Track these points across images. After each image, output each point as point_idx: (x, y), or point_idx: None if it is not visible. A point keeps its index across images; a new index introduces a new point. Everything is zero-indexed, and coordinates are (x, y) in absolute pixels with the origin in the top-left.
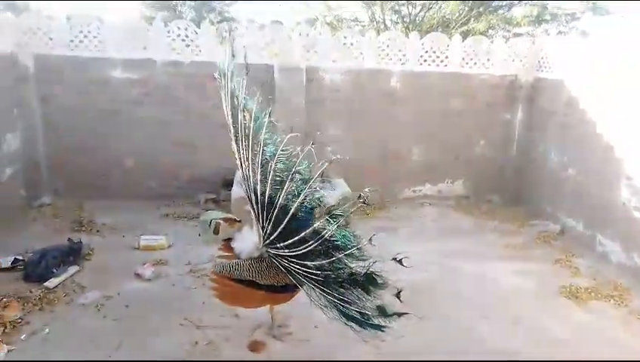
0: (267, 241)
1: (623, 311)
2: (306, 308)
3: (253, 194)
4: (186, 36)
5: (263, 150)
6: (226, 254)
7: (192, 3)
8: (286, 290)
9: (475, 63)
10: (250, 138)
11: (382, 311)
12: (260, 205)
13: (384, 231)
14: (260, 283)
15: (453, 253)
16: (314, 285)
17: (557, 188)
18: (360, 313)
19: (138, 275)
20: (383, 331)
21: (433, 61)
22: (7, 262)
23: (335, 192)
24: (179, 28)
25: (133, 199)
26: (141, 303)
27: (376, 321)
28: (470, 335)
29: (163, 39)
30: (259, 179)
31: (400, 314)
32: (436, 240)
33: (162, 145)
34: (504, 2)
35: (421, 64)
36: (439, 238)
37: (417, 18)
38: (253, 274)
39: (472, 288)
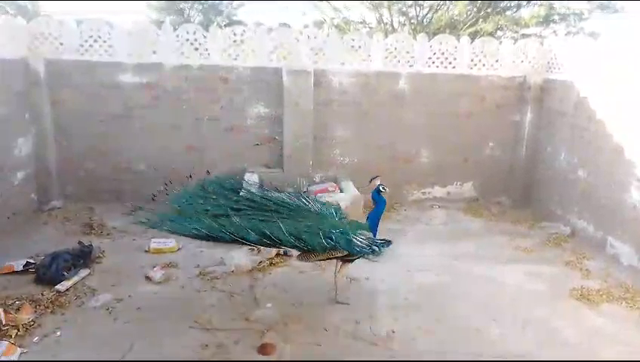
0: None
1: (635, 314)
2: (316, 311)
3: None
4: (195, 40)
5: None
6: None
7: (200, 6)
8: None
9: (484, 65)
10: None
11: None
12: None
13: (394, 234)
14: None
15: (463, 256)
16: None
17: (567, 190)
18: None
19: (148, 278)
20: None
21: (441, 63)
22: (19, 265)
23: (344, 195)
24: (187, 32)
25: (144, 202)
26: (152, 306)
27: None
28: (481, 337)
29: (172, 43)
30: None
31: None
32: (446, 242)
33: (172, 149)
34: (512, 3)
35: (429, 66)
36: (449, 240)
37: (425, 20)
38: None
39: (483, 290)
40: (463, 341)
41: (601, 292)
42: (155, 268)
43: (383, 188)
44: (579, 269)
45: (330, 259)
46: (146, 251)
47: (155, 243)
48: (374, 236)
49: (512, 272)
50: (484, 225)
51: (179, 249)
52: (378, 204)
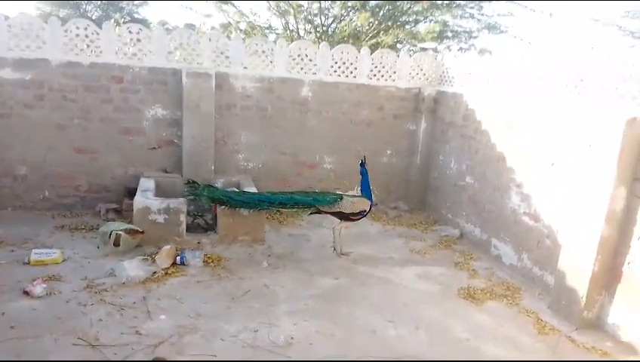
0: None
1: (514, 310)
2: (213, 321)
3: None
4: (86, 36)
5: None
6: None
7: (99, 2)
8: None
9: (383, 76)
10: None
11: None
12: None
13: (297, 239)
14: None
15: (362, 259)
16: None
17: (456, 195)
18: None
19: (27, 293)
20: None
21: (343, 72)
22: None
23: None
24: (78, 27)
25: (26, 210)
26: (29, 323)
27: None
28: (378, 339)
29: (60, 38)
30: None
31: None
32: (346, 246)
33: (59, 151)
34: (410, 18)
35: (331, 75)
36: (349, 244)
37: (329, 29)
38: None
39: (380, 292)
40: (361, 343)
41: (485, 291)
42: (35, 282)
43: (364, 158)
44: (467, 269)
45: (336, 213)
46: (25, 263)
47: (36, 254)
48: (371, 201)
49: (407, 274)
50: (382, 228)
51: (64, 260)
52: (363, 175)
